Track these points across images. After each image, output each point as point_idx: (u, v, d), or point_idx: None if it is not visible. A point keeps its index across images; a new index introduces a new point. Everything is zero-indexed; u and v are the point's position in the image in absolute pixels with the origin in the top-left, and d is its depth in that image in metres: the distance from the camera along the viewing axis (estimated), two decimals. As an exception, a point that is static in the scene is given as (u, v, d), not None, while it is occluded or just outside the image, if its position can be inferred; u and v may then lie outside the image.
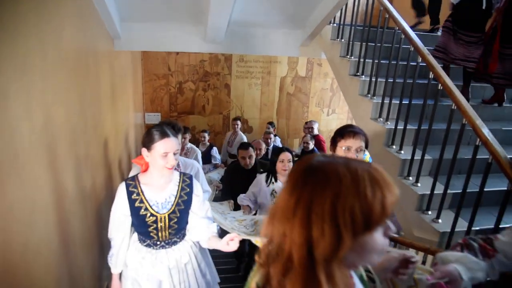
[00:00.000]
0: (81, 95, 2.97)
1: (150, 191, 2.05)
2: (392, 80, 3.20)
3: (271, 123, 6.78)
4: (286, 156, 3.03)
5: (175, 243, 2.17)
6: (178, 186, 2.12)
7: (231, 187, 3.70)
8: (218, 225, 2.30)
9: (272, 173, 3.11)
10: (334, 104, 8.08)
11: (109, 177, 3.82)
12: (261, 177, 3.17)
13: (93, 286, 3.07)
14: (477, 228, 2.61)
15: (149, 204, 2.04)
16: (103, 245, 3.29)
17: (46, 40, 2.21)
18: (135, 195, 2.04)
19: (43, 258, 2.05)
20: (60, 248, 2.30)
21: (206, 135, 5.90)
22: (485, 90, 3.98)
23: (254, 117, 7.87)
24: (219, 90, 7.54)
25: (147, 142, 1.96)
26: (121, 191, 2.07)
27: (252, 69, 7.51)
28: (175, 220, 2.09)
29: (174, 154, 1.99)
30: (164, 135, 1.94)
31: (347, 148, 2.04)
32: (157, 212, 2.04)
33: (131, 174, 2.73)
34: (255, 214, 3.18)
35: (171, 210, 2.07)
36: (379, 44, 3.42)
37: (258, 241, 2.14)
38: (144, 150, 1.99)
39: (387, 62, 3.32)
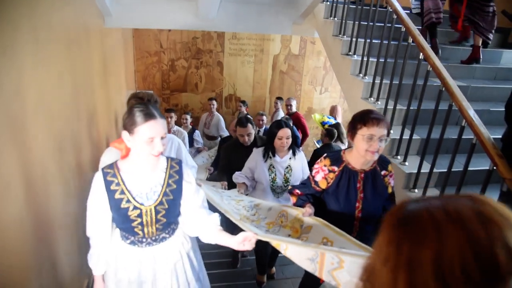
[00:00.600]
0: (72, 73, 2.97)
1: (132, 180, 1.74)
2: (383, 60, 3.22)
3: (279, 98, 6.85)
4: (285, 133, 2.85)
5: (163, 239, 1.88)
6: (166, 173, 1.81)
7: (230, 165, 3.40)
8: (220, 215, 1.98)
9: (270, 148, 2.93)
10: (327, 83, 8.09)
11: (98, 157, 3.82)
12: (258, 152, 3.01)
13: (74, 279, 2.87)
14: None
15: (131, 195, 1.73)
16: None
17: (36, 17, 2.20)
18: (114, 185, 1.72)
19: (11, 241, 1.81)
20: (33, 232, 2.06)
21: (188, 117, 5.73)
22: (462, 52, 4.23)
23: (247, 95, 7.87)
24: (212, 67, 7.50)
25: (129, 124, 1.63)
26: (98, 181, 1.74)
27: (245, 47, 7.46)
28: (163, 212, 1.79)
29: (162, 138, 1.67)
30: (149, 116, 1.61)
31: (369, 137, 1.88)
32: (141, 204, 1.74)
33: (104, 160, 2.34)
34: (247, 195, 2.96)
35: (157, 201, 1.77)
36: (372, 24, 3.42)
37: (278, 244, 1.87)
38: (125, 133, 1.66)
39: (379, 41, 3.33)
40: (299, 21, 4.81)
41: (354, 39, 3.73)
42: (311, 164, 2.96)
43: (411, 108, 2.92)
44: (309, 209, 2.11)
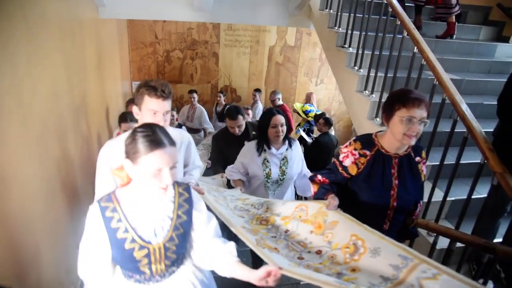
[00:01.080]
0: (67, 64, 2.96)
1: (136, 215, 1.47)
2: (378, 53, 3.23)
3: (258, 90, 6.87)
4: (278, 120, 2.63)
5: (172, 273, 1.61)
6: (174, 203, 1.54)
7: (223, 156, 3.26)
8: (236, 244, 1.66)
9: (263, 140, 2.71)
10: (323, 74, 8.08)
11: (93, 148, 3.82)
12: (251, 145, 2.78)
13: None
14: (452, 199, 2.74)
15: (136, 234, 1.45)
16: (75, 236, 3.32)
17: (29, 8, 2.18)
18: (115, 222, 1.44)
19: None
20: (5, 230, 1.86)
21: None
22: (438, 27, 4.48)
23: (243, 86, 7.85)
24: (207, 58, 7.46)
25: (131, 152, 1.36)
26: (94, 217, 1.44)
27: (241, 38, 7.42)
28: (173, 249, 1.53)
29: (171, 168, 1.40)
30: (156, 144, 1.34)
31: (408, 119, 1.69)
32: (148, 243, 1.47)
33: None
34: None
35: (167, 238, 1.50)
36: (367, 16, 3.42)
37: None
38: (127, 162, 1.39)
39: (374, 34, 3.33)
40: (295, 13, 4.79)
41: (349, 32, 3.73)
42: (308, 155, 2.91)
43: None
44: (333, 200, 1.90)
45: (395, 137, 1.78)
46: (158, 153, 1.33)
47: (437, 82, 2.58)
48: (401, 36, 2.98)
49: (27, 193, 2.11)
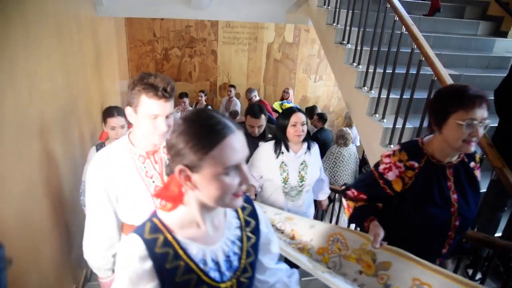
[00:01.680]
0: (65, 62, 2.95)
1: (194, 245, 1.03)
2: (376, 49, 3.23)
3: (233, 86, 7.01)
4: (299, 118, 2.39)
5: None
6: (240, 220, 1.14)
7: None
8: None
9: (281, 141, 2.48)
10: (321, 71, 8.08)
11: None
12: (267, 147, 2.52)
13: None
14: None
15: (203, 272, 1.02)
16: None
17: (26, 8, 2.18)
18: (171, 259, 0.99)
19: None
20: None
21: (203, 95, 6.19)
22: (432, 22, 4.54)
23: (241, 84, 7.85)
24: (206, 56, 7.46)
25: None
26: (137, 258, 0.96)
27: (239, 35, 7.41)
28: (247, 283, 1.13)
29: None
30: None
31: (469, 123, 1.39)
32: (219, 282, 1.05)
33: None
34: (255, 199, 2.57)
35: (240, 270, 1.10)
36: (365, 12, 3.42)
37: None
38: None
39: (373, 30, 3.33)
40: (293, 10, 4.79)
41: (347, 28, 3.72)
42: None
43: (404, 97, 2.94)
44: (377, 233, 1.52)
45: (451, 145, 1.48)
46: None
47: (435, 78, 2.58)
48: (399, 32, 2.98)
49: (25, 192, 2.11)
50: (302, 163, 2.50)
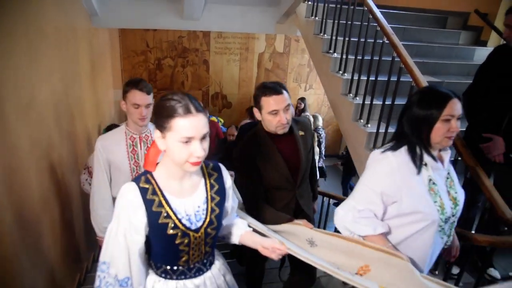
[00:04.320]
0: (62, 72, 3.07)
1: (175, 199, 1.36)
2: (361, 58, 3.39)
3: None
4: (457, 108, 1.53)
5: (199, 271, 1.49)
6: (206, 183, 1.44)
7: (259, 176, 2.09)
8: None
9: (420, 146, 1.56)
10: (311, 80, 8.26)
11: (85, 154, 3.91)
12: (396, 159, 1.55)
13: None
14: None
15: (178, 219, 1.34)
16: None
17: (29, 20, 2.31)
18: (156, 205, 1.31)
19: None
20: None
21: None
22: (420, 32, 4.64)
23: (233, 93, 7.99)
24: (198, 66, 7.60)
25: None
26: (133, 199, 1.30)
27: (230, 45, 7.58)
28: (213, 233, 1.44)
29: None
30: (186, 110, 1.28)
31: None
32: (189, 229, 1.35)
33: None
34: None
35: (207, 222, 1.40)
36: (350, 23, 3.58)
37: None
38: (156, 133, 1.29)
39: (357, 40, 3.49)
40: (282, 20, 4.95)
41: (334, 38, 3.88)
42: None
43: (386, 103, 3.09)
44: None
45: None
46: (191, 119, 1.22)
47: (414, 84, 2.73)
48: (381, 41, 3.14)
49: (25, 196, 2.22)
50: (447, 178, 1.66)
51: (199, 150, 1.24)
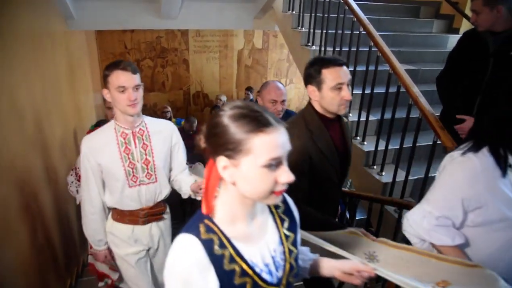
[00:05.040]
0: (40, 76, 3.04)
1: (247, 247, 1.00)
2: (339, 49, 3.46)
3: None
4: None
5: None
6: (275, 219, 1.10)
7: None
8: None
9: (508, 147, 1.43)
10: (291, 74, 8.33)
11: (67, 160, 3.87)
12: (477, 162, 1.42)
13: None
14: (415, 177, 2.97)
15: (257, 275, 1.00)
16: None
17: (3, 24, 2.29)
18: (228, 262, 0.96)
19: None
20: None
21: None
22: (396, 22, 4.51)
23: (214, 91, 7.99)
24: (178, 65, 7.57)
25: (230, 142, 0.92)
26: (196, 257, 0.93)
27: (209, 43, 7.57)
28: (293, 283, 1.12)
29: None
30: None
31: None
32: (271, 285, 1.02)
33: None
34: None
35: (287, 269, 1.07)
36: (327, 15, 3.64)
37: None
38: (221, 160, 0.93)
39: (334, 32, 3.56)
40: (260, 16, 4.99)
41: (311, 31, 3.94)
42: None
43: (366, 92, 3.17)
44: None
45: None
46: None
47: (392, 71, 2.81)
48: (358, 32, 3.22)
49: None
50: None
51: (287, 173, 0.91)
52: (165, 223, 2.18)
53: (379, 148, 3.05)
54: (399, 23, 4.82)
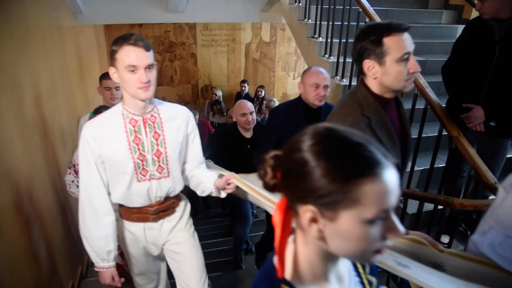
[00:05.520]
0: (50, 70, 3.09)
1: None
2: (345, 41, 3.45)
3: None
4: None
5: None
6: (361, 279, 0.87)
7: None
8: None
9: None
10: (299, 68, 8.31)
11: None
12: None
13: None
14: (421, 168, 2.97)
15: None
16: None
17: (14, 19, 2.33)
18: None
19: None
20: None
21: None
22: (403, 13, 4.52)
23: (222, 85, 8.03)
24: (186, 60, 7.62)
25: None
26: None
27: (217, 37, 7.60)
28: None
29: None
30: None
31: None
32: None
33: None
34: None
35: None
36: (333, 7, 3.64)
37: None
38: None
39: (340, 23, 3.55)
40: (266, 8, 4.99)
41: (318, 23, 3.94)
42: None
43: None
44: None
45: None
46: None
47: (397, 62, 2.79)
48: (363, 23, 3.20)
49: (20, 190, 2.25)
50: None
51: (399, 226, 0.66)
52: (178, 218, 1.88)
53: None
54: (407, 14, 4.78)
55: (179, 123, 1.73)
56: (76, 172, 2.26)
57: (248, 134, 3.06)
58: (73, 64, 4.05)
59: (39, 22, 2.93)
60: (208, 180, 1.82)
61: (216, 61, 7.80)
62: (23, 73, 2.43)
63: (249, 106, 2.98)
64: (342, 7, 3.51)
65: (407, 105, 2.91)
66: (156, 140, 1.66)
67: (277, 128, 2.50)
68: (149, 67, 1.49)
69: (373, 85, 1.47)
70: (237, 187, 1.77)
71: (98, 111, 2.33)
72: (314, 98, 2.39)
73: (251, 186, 1.74)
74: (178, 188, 1.82)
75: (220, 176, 1.83)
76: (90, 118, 2.01)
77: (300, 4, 4.35)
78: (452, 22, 4.95)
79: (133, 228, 1.79)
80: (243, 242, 3.49)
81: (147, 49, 1.48)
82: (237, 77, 8.05)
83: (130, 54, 1.45)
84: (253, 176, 1.80)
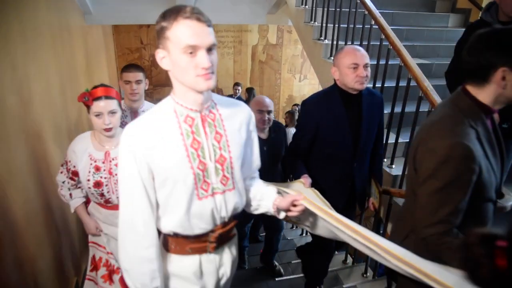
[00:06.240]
0: (59, 69, 3.13)
1: None
2: (350, 43, 3.46)
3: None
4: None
5: None
6: None
7: None
8: None
9: None
10: (306, 70, 8.33)
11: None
12: None
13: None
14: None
15: None
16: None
17: (24, 20, 2.37)
18: None
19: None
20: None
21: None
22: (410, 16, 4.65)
23: (229, 86, 8.05)
24: (193, 61, 7.65)
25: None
26: None
27: (224, 39, 7.64)
28: None
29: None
30: None
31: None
32: None
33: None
34: None
35: None
36: (338, 9, 3.65)
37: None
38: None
39: (346, 26, 3.57)
40: (273, 11, 5.03)
41: (324, 25, 3.96)
42: None
43: (377, 86, 3.17)
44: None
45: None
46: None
47: (402, 64, 2.81)
48: (369, 26, 3.22)
49: (26, 192, 2.28)
50: None
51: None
52: (235, 243, 1.53)
53: (389, 141, 3.05)
54: (414, 17, 4.79)
55: (240, 121, 1.36)
56: (68, 171, 1.96)
57: (263, 135, 2.67)
58: (81, 64, 4.10)
59: (49, 22, 2.98)
60: (267, 196, 1.47)
61: (222, 62, 7.84)
62: (32, 72, 2.46)
63: (268, 103, 2.59)
64: (348, 9, 3.53)
65: (411, 108, 2.94)
66: (218, 142, 1.28)
67: (311, 122, 2.17)
68: (210, 48, 1.17)
69: (488, 95, 1.30)
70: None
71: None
72: (354, 81, 2.04)
73: (322, 207, 1.46)
74: (244, 203, 1.44)
75: (280, 192, 1.53)
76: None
77: (307, 6, 4.37)
78: (459, 26, 4.94)
79: (184, 264, 1.36)
80: (245, 238, 3.46)
81: (208, 24, 1.16)
82: (243, 78, 8.08)
83: (187, 31, 1.11)
84: (297, 185, 1.76)
